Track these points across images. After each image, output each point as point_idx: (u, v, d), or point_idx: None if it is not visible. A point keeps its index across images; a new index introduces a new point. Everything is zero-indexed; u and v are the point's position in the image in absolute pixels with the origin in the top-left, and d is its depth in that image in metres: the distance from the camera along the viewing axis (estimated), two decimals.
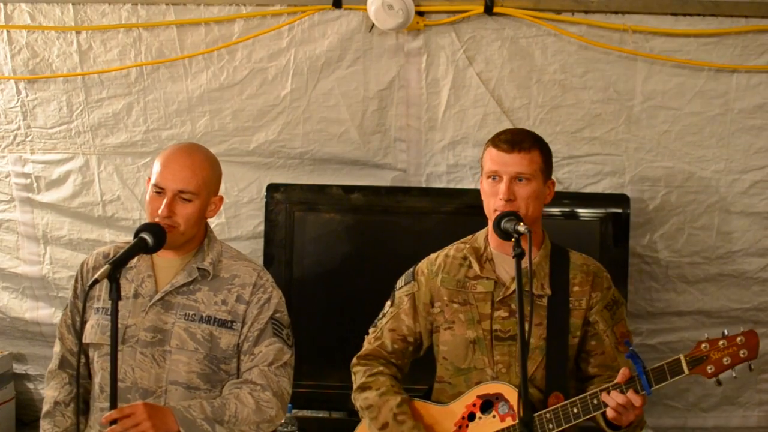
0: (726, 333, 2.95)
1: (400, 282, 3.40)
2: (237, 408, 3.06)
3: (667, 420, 4.53)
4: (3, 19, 4.33)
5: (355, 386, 3.31)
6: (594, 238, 4.10)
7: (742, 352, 2.92)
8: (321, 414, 3.77)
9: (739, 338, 2.93)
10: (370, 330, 3.41)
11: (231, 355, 3.19)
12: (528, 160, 3.14)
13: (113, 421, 2.81)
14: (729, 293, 4.41)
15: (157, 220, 3.05)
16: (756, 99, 4.16)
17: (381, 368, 3.31)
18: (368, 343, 3.38)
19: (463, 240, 3.38)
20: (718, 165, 4.24)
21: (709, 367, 2.93)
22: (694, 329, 4.45)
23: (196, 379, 3.13)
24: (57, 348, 3.30)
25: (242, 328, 3.19)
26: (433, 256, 3.38)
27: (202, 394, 3.13)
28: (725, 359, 2.92)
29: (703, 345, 2.94)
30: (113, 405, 2.80)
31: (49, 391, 3.24)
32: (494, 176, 3.15)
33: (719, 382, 2.97)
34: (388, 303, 3.40)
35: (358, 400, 3.28)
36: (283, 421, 3.65)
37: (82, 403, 3.21)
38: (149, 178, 3.17)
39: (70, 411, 3.18)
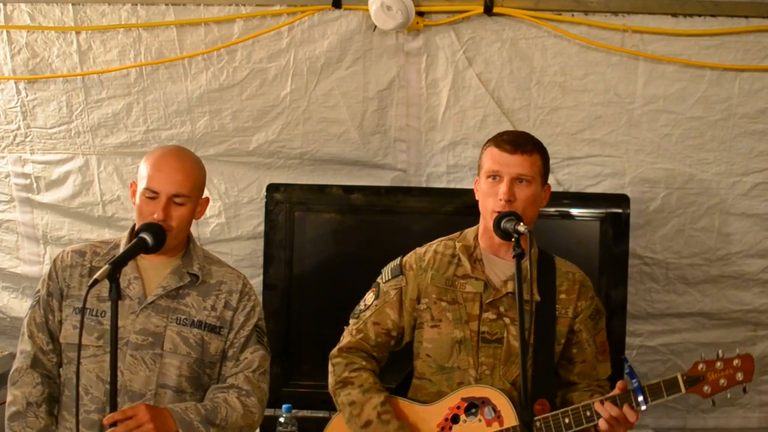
0: (722, 354, 3.00)
1: (386, 274, 3.39)
2: (227, 412, 3.10)
3: (667, 421, 4.53)
4: (2, 20, 4.32)
5: (335, 379, 3.31)
6: (594, 238, 4.09)
7: (738, 375, 2.97)
8: (321, 414, 3.75)
9: (735, 361, 2.98)
10: (351, 321, 3.40)
11: (217, 360, 3.23)
12: (530, 162, 3.14)
13: (114, 423, 2.81)
14: (729, 295, 4.42)
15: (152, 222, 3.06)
16: (759, 104, 4.17)
17: (363, 363, 3.31)
18: (350, 335, 3.37)
19: (449, 237, 3.38)
20: (719, 167, 4.25)
21: (705, 388, 2.97)
22: (695, 331, 4.47)
23: (184, 383, 3.15)
24: (26, 347, 3.23)
25: (229, 333, 3.22)
26: (420, 250, 3.37)
27: (188, 398, 3.15)
28: (722, 381, 2.97)
29: (700, 366, 2.98)
30: (113, 407, 2.78)
31: (17, 391, 3.16)
32: (495, 176, 3.14)
33: (713, 402, 3.02)
34: (372, 294, 3.39)
35: (340, 395, 3.27)
36: (282, 420, 3.65)
37: (51, 403, 3.19)
38: (133, 183, 3.18)
39: (42, 412, 3.14)
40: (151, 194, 3.08)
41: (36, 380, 3.17)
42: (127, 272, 3.16)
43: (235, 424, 3.10)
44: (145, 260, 3.19)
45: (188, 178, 3.12)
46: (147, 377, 3.10)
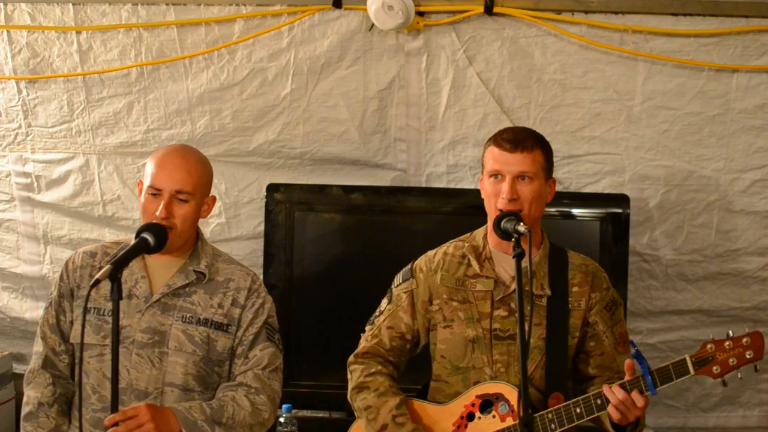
0: (731, 334, 2.94)
1: (398, 279, 3.39)
2: (234, 410, 3.08)
3: (667, 420, 4.53)
4: (3, 20, 4.32)
5: (352, 385, 3.30)
6: (594, 238, 4.10)
7: (748, 353, 2.91)
8: (321, 414, 3.77)
9: (744, 339, 2.92)
10: (367, 327, 3.39)
11: (225, 357, 3.21)
12: (531, 159, 3.13)
13: (115, 423, 2.80)
14: (729, 292, 4.42)
15: (154, 221, 3.05)
16: (756, 99, 4.16)
17: (379, 367, 3.29)
18: (365, 341, 3.36)
19: (460, 238, 3.37)
20: (717, 164, 4.25)
21: (715, 368, 2.91)
22: (694, 328, 4.47)
23: (191, 381, 3.14)
24: (39, 348, 3.25)
25: (237, 331, 3.21)
26: (431, 253, 3.37)
27: (196, 396, 3.14)
28: (731, 360, 2.91)
29: (709, 346, 2.93)
30: (114, 407, 2.78)
31: (31, 392, 3.20)
32: (496, 175, 3.13)
33: (725, 383, 2.96)
34: (385, 300, 3.38)
35: (356, 400, 3.26)
36: (282, 420, 3.66)
37: (63, 404, 3.20)
38: (140, 182, 3.17)
39: (53, 412, 3.17)
40: (154, 191, 3.08)
41: (47, 381, 3.19)
42: (135, 271, 3.17)
43: (243, 423, 3.09)
44: (152, 259, 3.19)
45: (191, 175, 3.11)
46: (153, 376, 3.11)
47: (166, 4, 4.26)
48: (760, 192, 4.28)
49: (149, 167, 3.13)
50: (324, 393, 3.40)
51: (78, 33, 4.33)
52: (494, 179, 3.15)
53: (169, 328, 3.13)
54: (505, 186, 3.10)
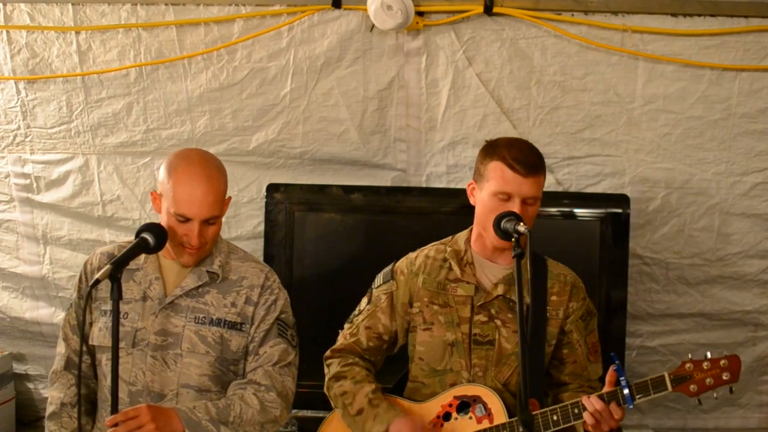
0: (709, 355, 3.00)
1: (378, 280, 3.39)
2: (242, 408, 3.05)
3: (667, 421, 4.53)
4: (2, 20, 4.33)
5: (329, 376, 3.31)
6: (594, 238, 4.09)
7: (724, 375, 2.97)
8: (321, 414, 3.74)
9: (722, 361, 2.98)
10: (346, 325, 3.40)
11: (241, 357, 3.19)
12: (540, 183, 3.12)
13: (116, 424, 2.80)
14: (729, 295, 4.42)
15: (187, 248, 3.04)
16: (758, 104, 4.17)
17: (356, 359, 3.32)
18: (343, 338, 3.38)
19: (442, 241, 3.38)
20: (718, 167, 4.25)
21: (692, 386, 2.97)
22: (695, 331, 4.47)
23: (207, 382, 3.12)
24: (61, 349, 3.25)
25: (250, 329, 3.18)
26: (412, 255, 3.37)
27: (213, 397, 3.11)
28: (708, 380, 2.98)
29: (687, 365, 2.99)
30: (114, 408, 2.79)
31: (54, 392, 3.19)
32: (505, 197, 3.09)
33: (700, 402, 3.02)
34: (365, 300, 3.39)
35: (333, 388, 3.28)
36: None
37: (87, 404, 3.19)
38: (155, 194, 3.10)
39: (76, 412, 3.12)
40: (183, 219, 3.02)
41: (70, 381, 3.18)
42: (149, 273, 3.14)
43: (251, 421, 3.06)
44: (166, 260, 3.17)
45: (218, 198, 3.06)
46: (168, 378, 3.08)
47: (166, 4, 4.26)
48: (760, 195, 4.29)
49: (170, 189, 3.03)
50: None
51: (77, 33, 4.34)
52: (499, 199, 3.11)
53: (182, 330, 3.10)
54: (514, 208, 3.04)
